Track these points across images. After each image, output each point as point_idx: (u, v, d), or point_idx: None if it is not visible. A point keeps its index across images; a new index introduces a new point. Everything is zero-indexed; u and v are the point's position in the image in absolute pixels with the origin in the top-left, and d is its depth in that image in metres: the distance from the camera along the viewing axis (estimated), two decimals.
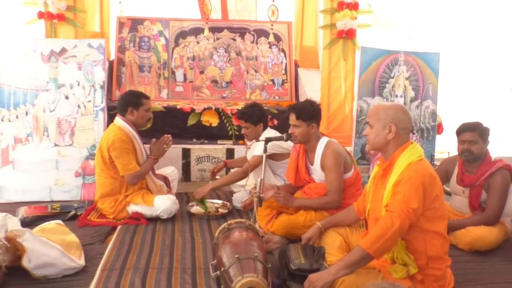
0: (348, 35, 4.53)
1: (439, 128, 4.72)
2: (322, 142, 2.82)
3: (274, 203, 2.97)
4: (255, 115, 3.33)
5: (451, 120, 5.31)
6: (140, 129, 3.24)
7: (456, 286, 2.08)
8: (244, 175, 3.21)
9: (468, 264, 2.50)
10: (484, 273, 2.40)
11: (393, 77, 4.30)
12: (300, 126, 2.78)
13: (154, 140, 3.31)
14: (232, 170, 3.75)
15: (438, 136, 4.68)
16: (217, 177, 3.70)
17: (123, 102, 3.19)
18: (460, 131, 2.86)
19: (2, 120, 3.68)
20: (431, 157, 4.48)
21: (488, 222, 2.71)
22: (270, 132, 3.37)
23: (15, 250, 2.14)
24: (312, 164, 2.89)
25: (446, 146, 5.52)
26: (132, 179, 3.07)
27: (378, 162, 2.14)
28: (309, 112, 2.78)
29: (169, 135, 3.30)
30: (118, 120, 3.15)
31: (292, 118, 2.81)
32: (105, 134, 3.14)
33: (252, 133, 3.36)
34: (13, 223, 2.35)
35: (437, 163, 4.19)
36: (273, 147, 3.21)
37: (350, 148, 4.29)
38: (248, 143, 3.51)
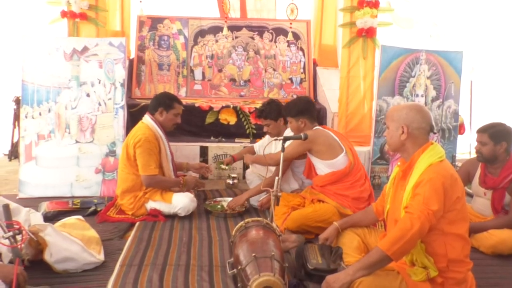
0: (368, 33, 4.48)
1: (461, 129, 4.63)
2: None
3: (291, 202, 2.98)
4: (273, 111, 3.36)
5: (474, 120, 5.20)
6: (167, 131, 3.27)
7: None
8: (273, 178, 3.20)
9: (490, 268, 2.44)
10: (507, 278, 2.34)
11: (414, 76, 4.23)
12: (291, 122, 3.04)
13: (194, 175, 3.51)
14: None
15: (459, 137, 4.59)
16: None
17: (156, 102, 3.22)
18: (476, 132, 2.88)
19: (26, 117, 3.77)
20: (453, 158, 4.40)
21: (511, 225, 2.64)
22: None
23: (37, 244, 2.19)
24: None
25: (467, 146, 5.41)
26: (147, 180, 3.08)
27: (398, 163, 2.11)
28: (292, 109, 3.03)
29: (204, 184, 3.50)
30: (147, 118, 3.19)
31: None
32: (134, 132, 3.17)
33: (274, 129, 3.38)
34: (36, 218, 2.42)
35: (459, 164, 4.11)
36: None
37: (368, 148, 4.25)
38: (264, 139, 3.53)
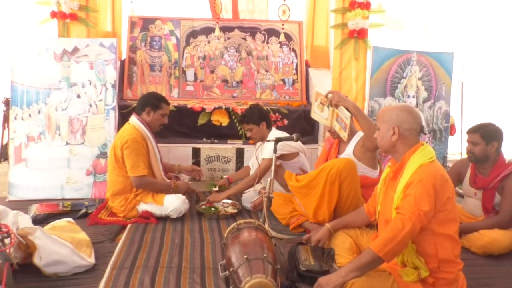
0: (360, 34, 4.50)
1: (452, 129, 4.67)
2: (359, 134, 2.89)
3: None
4: (255, 115, 3.38)
5: (465, 121, 5.24)
6: (153, 131, 3.25)
7: None
8: (254, 180, 3.25)
9: (481, 268, 2.45)
10: (497, 278, 2.36)
11: (405, 77, 4.26)
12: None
13: (187, 179, 3.49)
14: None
15: (451, 137, 4.63)
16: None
17: (143, 101, 3.21)
18: (467, 132, 2.90)
19: (15, 118, 3.72)
20: (444, 159, 4.43)
21: (502, 225, 2.66)
22: (277, 133, 3.36)
23: (27, 247, 2.16)
24: (341, 154, 2.94)
25: (459, 147, 5.45)
26: (137, 181, 3.06)
27: (389, 163, 2.11)
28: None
29: (195, 190, 3.49)
30: (134, 119, 3.17)
31: None
32: (120, 133, 3.15)
33: (257, 134, 3.38)
34: (25, 220, 2.38)
35: (450, 164, 4.14)
36: (282, 147, 3.23)
37: None
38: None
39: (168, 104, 3.29)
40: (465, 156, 2.99)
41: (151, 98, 3.23)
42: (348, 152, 2.87)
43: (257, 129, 3.38)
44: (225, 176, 3.81)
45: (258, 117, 3.38)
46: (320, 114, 3.03)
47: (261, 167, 3.14)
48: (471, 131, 2.84)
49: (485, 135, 2.76)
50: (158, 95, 3.31)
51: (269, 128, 3.45)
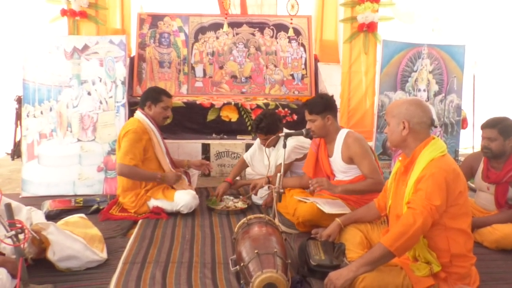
0: (369, 28, 4.45)
1: (463, 123, 4.61)
2: (342, 133, 2.83)
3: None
4: (273, 125, 3.27)
5: (477, 114, 5.17)
6: (159, 125, 3.26)
7: (482, 285, 2.02)
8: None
9: (494, 263, 2.43)
10: (511, 272, 2.32)
11: (416, 71, 4.21)
12: (315, 120, 2.82)
13: (196, 174, 3.51)
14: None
15: (462, 131, 4.57)
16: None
17: (144, 96, 3.26)
18: (482, 127, 2.81)
19: (28, 116, 3.77)
20: (456, 153, 4.37)
21: None
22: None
23: (40, 242, 2.19)
24: (330, 156, 2.88)
25: (470, 141, 5.38)
26: (121, 168, 2.99)
27: (399, 158, 2.10)
28: (320, 105, 2.82)
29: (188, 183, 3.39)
30: (138, 113, 3.22)
31: (306, 114, 2.87)
32: (124, 126, 3.21)
33: (272, 141, 3.26)
34: (38, 216, 2.42)
35: (462, 158, 4.09)
36: (296, 151, 3.23)
37: (371, 143, 4.24)
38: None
39: (170, 96, 3.29)
40: (477, 150, 2.94)
41: (151, 92, 3.27)
42: (337, 156, 2.81)
43: (273, 137, 3.32)
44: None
45: (276, 127, 3.28)
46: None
47: (278, 170, 2.83)
48: (487, 126, 2.74)
49: (503, 130, 2.68)
50: (158, 89, 3.34)
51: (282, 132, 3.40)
